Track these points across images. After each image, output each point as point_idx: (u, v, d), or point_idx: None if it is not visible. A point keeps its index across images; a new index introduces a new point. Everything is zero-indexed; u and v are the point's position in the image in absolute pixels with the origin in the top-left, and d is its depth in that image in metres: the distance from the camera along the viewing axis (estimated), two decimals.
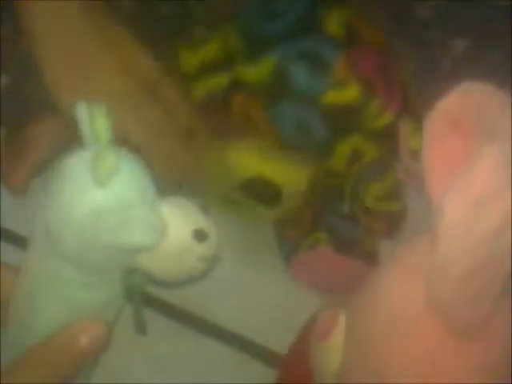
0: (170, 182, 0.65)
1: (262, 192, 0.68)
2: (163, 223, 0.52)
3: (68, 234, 0.51)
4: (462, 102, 0.46)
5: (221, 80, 0.71)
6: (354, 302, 0.54)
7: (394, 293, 0.51)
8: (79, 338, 0.52)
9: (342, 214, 0.74)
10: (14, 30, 0.75)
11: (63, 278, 0.54)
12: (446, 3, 0.88)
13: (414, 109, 0.72)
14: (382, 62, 0.69)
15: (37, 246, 0.55)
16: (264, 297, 0.76)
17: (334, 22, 0.69)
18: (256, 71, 0.68)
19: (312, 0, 0.70)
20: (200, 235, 0.53)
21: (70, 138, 0.75)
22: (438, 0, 0.87)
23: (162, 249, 0.53)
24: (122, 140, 0.53)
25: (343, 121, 0.69)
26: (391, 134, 0.70)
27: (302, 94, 0.67)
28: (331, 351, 0.55)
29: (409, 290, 0.50)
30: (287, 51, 0.67)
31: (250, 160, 0.67)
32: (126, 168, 0.52)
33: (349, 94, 0.67)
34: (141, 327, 0.61)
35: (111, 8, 0.70)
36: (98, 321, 0.52)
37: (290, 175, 0.69)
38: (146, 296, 0.64)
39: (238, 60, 0.69)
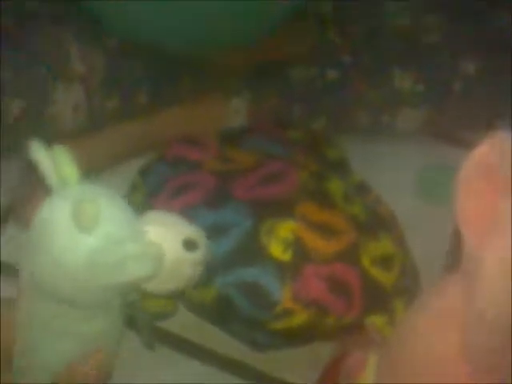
0: None
1: None
2: (158, 249, 0.51)
3: (63, 283, 0.51)
4: (496, 152, 0.45)
5: (170, 304, 0.69)
6: (387, 343, 0.54)
7: (427, 338, 0.51)
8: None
9: None
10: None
11: (58, 317, 0.53)
12: (453, 27, 0.88)
13: (384, 304, 0.67)
14: (333, 276, 0.65)
15: (25, 290, 0.54)
16: None
17: (279, 242, 0.65)
18: (201, 295, 0.66)
19: (257, 213, 0.66)
20: (190, 244, 0.53)
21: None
22: (444, 24, 0.88)
23: (161, 272, 0.52)
24: None
25: (295, 337, 0.67)
26: (356, 328, 0.67)
27: (248, 320, 0.65)
28: None
29: (442, 336, 0.49)
30: (228, 280, 0.64)
31: None
32: (106, 206, 0.51)
33: (298, 320, 0.64)
34: (149, 343, 0.59)
35: None
36: (97, 353, 0.52)
37: None
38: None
39: None
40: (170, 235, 0.52)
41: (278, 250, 0.64)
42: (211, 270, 0.64)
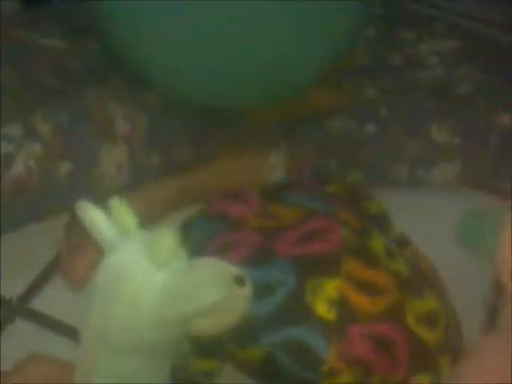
0: None
1: None
2: (228, 273, 0.54)
3: (140, 322, 0.53)
4: None
5: (216, 364, 0.70)
6: None
7: None
8: None
9: None
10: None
11: (118, 370, 0.55)
12: (488, 78, 0.89)
13: (429, 362, 0.67)
14: (378, 335, 0.65)
15: (89, 341, 0.57)
16: None
17: (324, 301, 0.65)
18: (248, 355, 0.67)
19: (301, 271, 0.66)
20: (240, 280, 0.56)
21: None
22: (479, 75, 0.88)
23: (217, 306, 0.55)
24: None
25: None
26: None
27: (295, 379, 0.65)
28: None
29: None
30: (273, 340, 0.65)
31: None
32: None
33: (343, 380, 0.65)
34: None
35: None
36: None
37: None
38: None
39: (227, 343, 0.67)
40: (220, 273, 0.55)
41: (322, 309, 0.65)
42: (257, 330, 0.65)
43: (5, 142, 0.78)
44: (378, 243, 0.70)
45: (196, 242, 0.72)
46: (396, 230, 0.78)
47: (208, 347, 0.67)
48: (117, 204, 0.56)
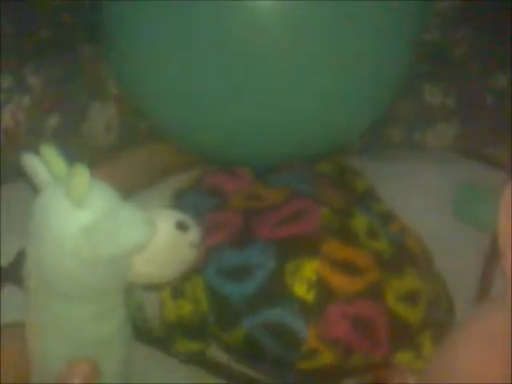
0: None
1: None
2: (150, 216, 0.54)
3: (66, 264, 0.53)
4: None
5: (200, 346, 0.70)
6: (427, 369, 0.54)
7: (470, 365, 0.51)
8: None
9: None
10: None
11: (67, 316, 0.55)
12: (484, 39, 0.87)
13: (411, 340, 0.67)
14: (358, 315, 0.65)
15: (34, 292, 0.56)
16: None
17: (303, 282, 0.65)
18: (229, 336, 0.67)
19: (281, 253, 0.66)
20: (182, 225, 0.55)
21: None
22: (475, 36, 0.86)
23: (155, 248, 0.54)
24: None
25: (323, 376, 0.67)
26: (383, 366, 0.67)
27: (276, 360, 0.66)
28: None
29: (485, 362, 0.50)
30: (254, 322, 0.65)
31: None
32: (96, 185, 0.54)
33: (324, 359, 0.65)
34: None
35: None
36: (88, 360, 0.54)
37: None
38: None
39: (210, 325, 0.68)
40: (162, 217, 0.54)
41: (301, 289, 0.65)
42: (238, 312, 0.66)
43: None
44: (360, 222, 0.70)
45: (186, 213, 0.72)
46: (382, 206, 0.77)
47: (192, 329, 0.68)
48: (47, 150, 0.56)
